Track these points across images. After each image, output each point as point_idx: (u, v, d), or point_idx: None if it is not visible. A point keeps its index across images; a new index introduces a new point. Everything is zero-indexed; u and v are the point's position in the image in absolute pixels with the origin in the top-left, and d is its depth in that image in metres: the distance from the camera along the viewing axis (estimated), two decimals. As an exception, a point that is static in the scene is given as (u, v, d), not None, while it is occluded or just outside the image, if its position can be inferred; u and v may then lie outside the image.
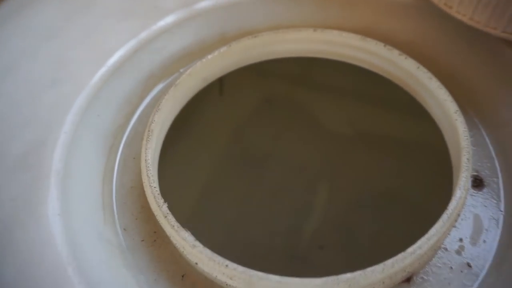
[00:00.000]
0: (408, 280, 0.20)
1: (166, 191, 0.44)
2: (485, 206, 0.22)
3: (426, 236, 0.19)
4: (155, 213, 0.20)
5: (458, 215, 0.20)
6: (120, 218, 0.22)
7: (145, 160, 0.21)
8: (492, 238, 0.20)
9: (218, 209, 0.43)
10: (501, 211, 0.21)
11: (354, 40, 0.25)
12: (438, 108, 0.23)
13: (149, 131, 0.22)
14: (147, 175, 0.20)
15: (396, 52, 0.24)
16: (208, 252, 0.18)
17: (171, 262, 0.21)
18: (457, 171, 0.21)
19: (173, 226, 0.19)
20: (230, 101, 0.51)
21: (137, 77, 0.26)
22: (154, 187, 0.20)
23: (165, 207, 0.19)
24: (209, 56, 0.25)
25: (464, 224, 0.21)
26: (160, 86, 0.27)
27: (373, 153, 0.45)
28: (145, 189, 0.20)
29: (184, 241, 0.18)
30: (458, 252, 0.20)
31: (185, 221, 0.42)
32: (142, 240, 0.21)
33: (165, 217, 0.19)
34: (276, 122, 0.49)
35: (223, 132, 0.49)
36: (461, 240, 0.21)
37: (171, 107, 0.24)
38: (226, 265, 0.18)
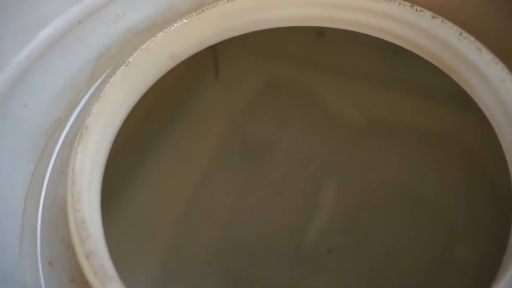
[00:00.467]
0: None
1: (157, 185, 0.38)
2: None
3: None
4: (75, 249, 0.13)
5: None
6: (45, 247, 0.15)
7: (72, 170, 0.14)
8: None
9: (214, 204, 0.36)
10: None
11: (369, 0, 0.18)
12: (489, 91, 0.15)
13: (83, 128, 0.15)
14: (72, 193, 0.14)
15: (428, 14, 0.16)
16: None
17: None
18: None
19: (97, 272, 0.12)
20: (227, 86, 0.44)
21: (83, 55, 0.19)
22: (79, 211, 0.13)
23: (90, 242, 0.13)
24: (175, 26, 0.18)
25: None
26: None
27: (388, 145, 0.38)
28: (68, 212, 0.14)
29: None
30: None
31: (179, 218, 0.36)
32: (72, 280, 0.15)
33: (87, 257, 0.12)
34: (279, 109, 0.42)
35: (220, 121, 0.42)
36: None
37: (121, 94, 0.17)
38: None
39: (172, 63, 0.19)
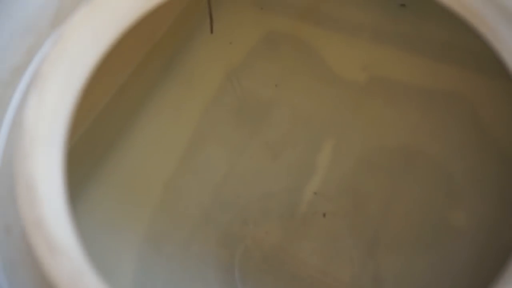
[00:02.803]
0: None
1: (148, 142, 0.36)
2: None
3: None
4: (23, 217, 0.11)
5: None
6: (3, 210, 0.13)
7: (22, 125, 0.12)
8: None
9: (207, 164, 0.34)
10: None
11: None
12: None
13: (37, 76, 0.13)
14: (22, 152, 0.11)
15: None
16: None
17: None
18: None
19: (42, 246, 0.10)
20: (223, 41, 0.41)
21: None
22: (28, 174, 0.11)
23: (39, 209, 0.10)
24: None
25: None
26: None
27: (389, 104, 0.35)
28: (15, 175, 0.11)
29: (56, 272, 0.09)
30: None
31: (170, 175, 0.34)
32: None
33: (36, 227, 0.10)
34: (278, 66, 0.39)
35: (215, 77, 0.39)
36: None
37: (87, 37, 0.14)
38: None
39: (148, 5, 0.16)
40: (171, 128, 0.37)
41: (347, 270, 0.29)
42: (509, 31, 0.12)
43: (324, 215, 0.31)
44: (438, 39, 0.38)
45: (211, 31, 0.37)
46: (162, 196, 0.34)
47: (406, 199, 0.31)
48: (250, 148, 0.35)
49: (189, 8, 0.42)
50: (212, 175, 0.34)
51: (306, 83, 0.38)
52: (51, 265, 0.09)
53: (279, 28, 0.42)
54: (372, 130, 0.35)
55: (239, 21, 0.42)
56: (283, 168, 0.34)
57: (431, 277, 0.28)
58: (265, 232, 0.31)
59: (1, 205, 0.13)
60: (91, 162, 0.35)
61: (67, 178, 0.13)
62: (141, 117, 0.37)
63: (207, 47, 0.41)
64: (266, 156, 0.35)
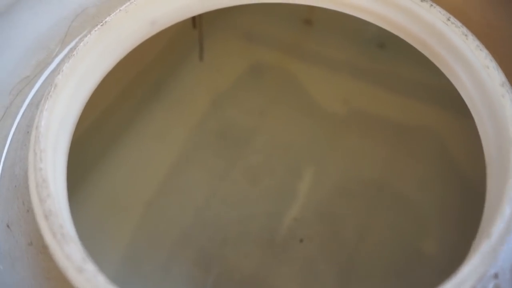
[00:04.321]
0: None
1: (131, 162, 0.36)
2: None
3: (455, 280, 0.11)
4: (34, 209, 0.12)
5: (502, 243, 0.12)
6: (4, 209, 0.14)
7: (37, 127, 0.13)
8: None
9: (188, 186, 0.35)
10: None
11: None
12: (473, 79, 0.15)
13: (51, 85, 0.14)
14: (35, 151, 0.13)
15: (417, -4, 0.16)
16: (101, 280, 0.11)
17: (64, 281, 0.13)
18: (500, 173, 0.13)
19: (55, 233, 0.11)
20: (211, 68, 0.43)
21: (57, 13, 0.18)
22: (40, 169, 0.12)
23: (50, 201, 0.12)
24: (157, -12, 0.17)
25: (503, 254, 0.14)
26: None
27: (366, 137, 0.38)
28: (29, 170, 0.13)
29: (67, 260, 0.11)
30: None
31: (151, 197, 0.35)
32: (30, 244, 0.14)
33: (46, 218, 0.11)
34: (262, 95, 0.41)
35: (201, 102, 0.41)
36: (496, 276, 0.13)
37: (95, 55, 0.16)
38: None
39: (152, 30, 0.18)
40: (155, 150, 0.38)
41: (322, 296, 0.30)
42: (464, 74, 0.15)
43: (301, 240, 0.33)
44: (412, 78, 0.41)
45: (200, 59, 0.39)
46: (143, 216, 0.34)
47: (380, 226, 0.33)
48: (231, 172, 0.37)
49: (180, 35, 0.44)
50: (193, 197, 0.35)
51: (288, 112, 0.40)
52: (65, 250, 0.10)
53: (264, 60, 0.44)
54: (348, 160, 0.37)
55: (228, 51, 0.45)
56: (263, 193, 0.36)
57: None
58: (243, 255, 0.32)
59: (4, 203, 0.15)
60: (73, 179, 0.36)
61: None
62: (126, 137, 0.38)
63: (195, 73, 0.43)
64: (247, 181, 0.36)
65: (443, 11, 0.15)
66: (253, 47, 0.45)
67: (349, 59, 0.44)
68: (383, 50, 0.43)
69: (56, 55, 0.18)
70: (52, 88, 0.14)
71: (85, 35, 0.16)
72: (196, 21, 0.37)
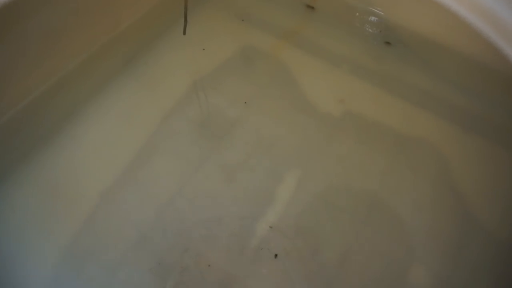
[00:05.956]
0: None
1: (91, 142, 0.31)
2: None
3: None
4: None
5: None
6: None
7: None
8: None
9: (155, 178, 0.31)
10: None
11: None
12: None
13: None
14: None
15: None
16: None
17: None
18: None
19: None
20: (195, 46, 0.38)
21: None
22: None
23: None
24: None
25: None
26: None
27: (363, 143, 0.34)
28: None
29: None
30: None
31: (108, 187, 0.30)
32: None
33: None
34: (249, 83, 0.37)
35: (181, 84, 0.36)
36: None
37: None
38: None
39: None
40: (120, 132, 0.33)
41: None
42: None
43: (276, 256, 0.29)
44: (417, 84, 0.37)
45: (184, 32, 0.34)
46: (95, 208, 0.30)
47: (366, 249, 0.29)
48: (205, 166, 0.32)
49: (165, 3, 0.39)
50: (156, 192, 0.31)
51: (276, 106, 0.36)
52: None
53: (257, 44, 0.40)
54: (339, 168, 0.33)
55: (217, 29, 0.40)
56: (237, 194, 0.31)
57: None
58: (207, 264, 0.28)
59: None
60: (16, 155, 0.31)
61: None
62: (85, 114, 0.33)
63: (176, 49, 0.38)
64: (221, 178, 0.32)
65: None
66: (246, 29, 0.41)
67: (351, 54, 0.40)
68: (390, 48, 0.38)
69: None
70: None
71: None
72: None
